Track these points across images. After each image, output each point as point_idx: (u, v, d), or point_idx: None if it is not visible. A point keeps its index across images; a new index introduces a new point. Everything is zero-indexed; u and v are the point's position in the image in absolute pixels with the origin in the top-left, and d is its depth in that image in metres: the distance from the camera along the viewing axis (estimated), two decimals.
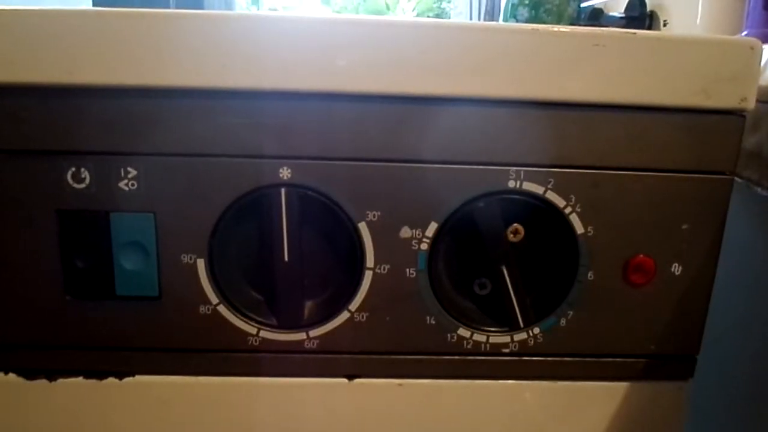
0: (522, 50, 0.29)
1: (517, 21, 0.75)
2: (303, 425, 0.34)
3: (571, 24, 0.74)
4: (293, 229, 0.31)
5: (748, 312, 0.44)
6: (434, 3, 2.07)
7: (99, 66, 0.28)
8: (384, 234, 0.31)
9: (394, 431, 0.34)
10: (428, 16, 1.95)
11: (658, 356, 0.34)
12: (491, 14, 1.40)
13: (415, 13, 2.05)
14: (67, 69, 0.28)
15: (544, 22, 0.76)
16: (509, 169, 0.31)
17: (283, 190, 0.30)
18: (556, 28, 0.29)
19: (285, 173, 0.30)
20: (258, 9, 1.74)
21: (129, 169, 0.30)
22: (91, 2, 0.61)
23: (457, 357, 0.33)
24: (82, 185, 0.30)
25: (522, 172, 0.31)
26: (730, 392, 0.45)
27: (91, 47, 0.28)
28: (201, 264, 0.31)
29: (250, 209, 0.31)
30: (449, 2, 1.94)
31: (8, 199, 0.30)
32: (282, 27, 0.28)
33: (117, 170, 0.30)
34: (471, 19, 1.60)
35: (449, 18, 1.89)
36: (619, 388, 0.34)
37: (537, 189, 0.31)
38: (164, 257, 0.31)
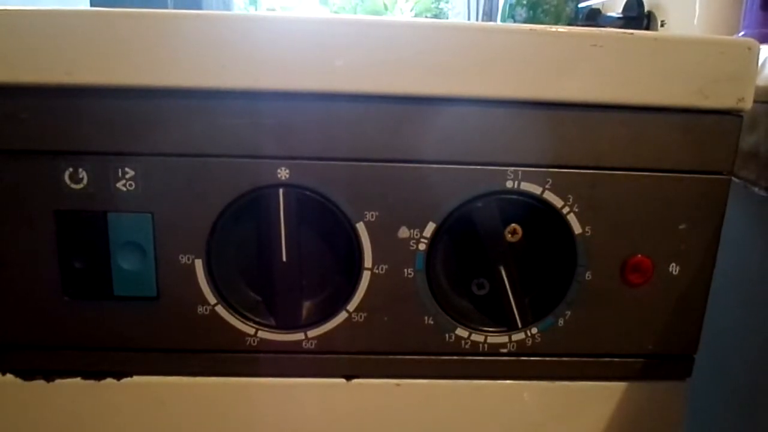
0: (520, 50, 0.29)
1: (515, 21, 0.75)
2: (301, 425, 0.34)
3: (569, 24, 0.75)
4: (291, 230, 0.31)
5: (746, 311, 0.44)
6: (432, 3, 2.07)
7: (97, 66, 0.28)
8: (382, 234, 0.31)
9: (392, 431, 0.34)
10: (426, 17, 1.95)
11: (656, 356, 0.34)
12: (489, 15, 1.41)
13: (413, 13, 2.05)
14: (66, 69, 0.28)
15: (542, 23, 0.76)
16: (507, 170, 0.31)
17: (281, 191, 0.30)
18: (554, 28, 0.29)
19: (283, 173, 0.30)
20: (256, 9, 1.74)
21: (127, 169, 0.30)
22: (88, 2, 0.61)
23: (455, 357, 0.33)
24: (80, 185, 0.30)
25: (520, 173, 0.31)
26: (728, 391, 0.45)
27: (89, 47, 0.28)
28: (199, 264, 0.31)
29: (249, 209, 0.31)
30: (447, 2, 1.94)
31: (6, 200, 0.30)
32: (280, 27, 0.28)
33: (115, 170, 0.30)
34: (469, 19, 1.60)
35: (447, 18, 1.89)
36: (617, 387, 0.34)
37: (535, 189, 0.31)
38: (162, 257, 0.31)
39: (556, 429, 0.35)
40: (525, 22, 0.75)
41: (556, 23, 0.76)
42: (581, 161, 0.31)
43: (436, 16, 1.93)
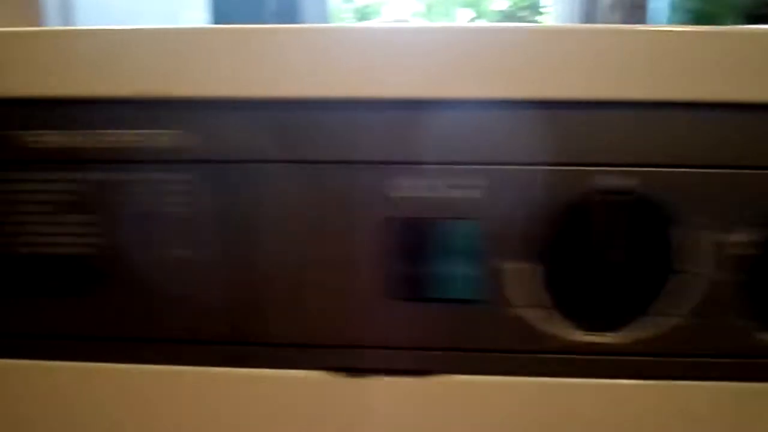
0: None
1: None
2: (625, 426, 0.34)
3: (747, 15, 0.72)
4: (617, 234, 0.31)
5: None
6: None
7: (442, 81, 0.30)
8: (702, 239, 0.31)
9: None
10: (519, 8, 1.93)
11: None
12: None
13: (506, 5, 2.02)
14: (419, 83, 0.30)
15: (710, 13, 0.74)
16: None
17: (608, 197, 0.31)
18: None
19: (612, 179, 0.31)
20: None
21: (461, 178, 0.31)
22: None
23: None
24: (411, 194, 0.32)
25: None
26: None
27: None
28: (525, 269, 0.32)
29: (574, 216, 0.31)
30: None
31: (338, 207, 0.32)
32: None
33: (447, 179, 0.31)
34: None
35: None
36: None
37: None
38: (488, 263, 0.32)
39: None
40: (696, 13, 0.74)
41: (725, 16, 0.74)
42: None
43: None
